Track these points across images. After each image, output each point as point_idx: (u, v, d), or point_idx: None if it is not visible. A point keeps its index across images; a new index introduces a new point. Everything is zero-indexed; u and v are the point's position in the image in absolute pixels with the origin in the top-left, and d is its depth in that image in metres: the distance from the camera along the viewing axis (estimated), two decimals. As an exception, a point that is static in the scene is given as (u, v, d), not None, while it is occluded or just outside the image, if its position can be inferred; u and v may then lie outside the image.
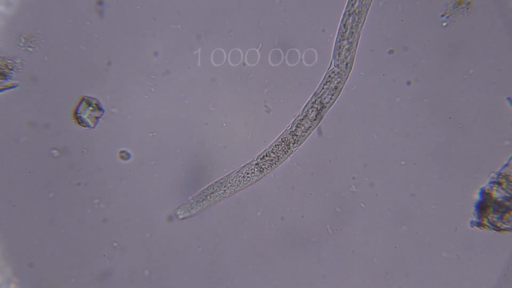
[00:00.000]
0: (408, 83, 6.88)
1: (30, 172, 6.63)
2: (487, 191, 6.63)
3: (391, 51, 6.86)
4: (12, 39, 6.52)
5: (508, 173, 6.65)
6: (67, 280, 6.72)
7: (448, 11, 6.76)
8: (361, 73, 6.94)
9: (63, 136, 6.67)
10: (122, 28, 6.72)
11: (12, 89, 6.49)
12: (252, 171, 6.95)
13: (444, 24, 6.80)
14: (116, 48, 6.74)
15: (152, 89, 6.83)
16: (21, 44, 6.52)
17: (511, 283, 6.75)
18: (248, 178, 6.94)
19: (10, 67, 6.46)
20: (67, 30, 6.64)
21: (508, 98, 6.71)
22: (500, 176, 6.69)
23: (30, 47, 6.52)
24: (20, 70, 6.54)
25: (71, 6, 6.59)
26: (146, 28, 6.75)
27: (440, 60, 6.84)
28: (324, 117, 6.90)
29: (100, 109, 6.70)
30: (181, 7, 6.77)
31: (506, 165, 6.70)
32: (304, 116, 6.95)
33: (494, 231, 6.59)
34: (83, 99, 6.66)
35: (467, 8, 6.74)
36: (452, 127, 6.84)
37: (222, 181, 6.92)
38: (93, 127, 6.70)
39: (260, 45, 6.87)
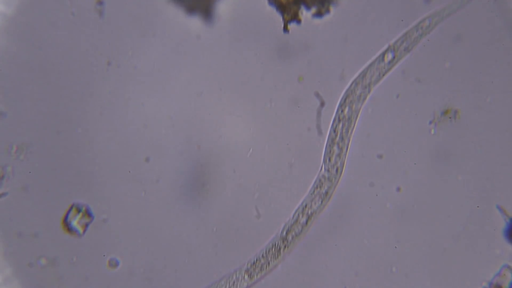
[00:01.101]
0: (398, 189, 6.91)
1: (30, 172, 6.57)
2: (479, 300, 6.59)
3: (379, 156, 6.91)
4: (3, 147, 6.54)
5: (500, 283, 6.61)
6: (67, 280, 6.61)
7: (436, 118, 6.86)
8: (352, 178, 6.97)
9: (52, 245, 6.61)
10: (113, 139, 6.76)
11: (2, 197, 6.47)
12: (242, 277, 6.88)
13: (432, 131, 6.88)
14: (106, 154, 6.76)
15: (142, 194, 6.83)
16: (13, 153, 6.54)
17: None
18: (238, 285, 6.87)
19: (0, 175, 6.46)
20: (58, 139, 6.68)
21: (498, 206, 6.73)
22: (491, 286, 6.65)
23: (21, 155, 6.54)
24: (11, 179, 6.53)
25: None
26: (137, 135, 6.79)
27: (429, 166, 6.89)
28: (314, 221, 6.89)
29: (89, 215, 6.68)
30: (172, 112, 6.84)
31: (498, 274, 6.67)
32: (294, 221, 6.94)
33: None
34: (72, 206, 6.63)
35: (455, 117, 6.84)
36: (442, 236, 6.84)
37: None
38: (82, 234, 6.66)
39: (251, 150, 6.91)
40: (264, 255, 6.90)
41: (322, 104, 6.52)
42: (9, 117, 6.62)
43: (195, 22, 6.74)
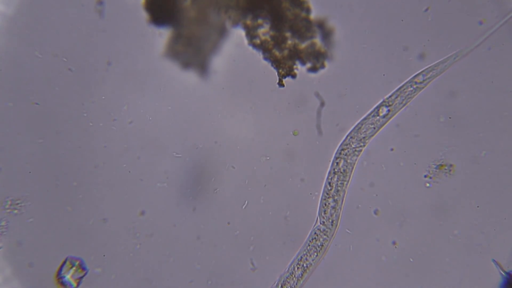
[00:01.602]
0: (394, 243, 6.89)
1: (30, 172, 6.55)
2: None
3: (376, 211, 6.91)
4: (-2, 201, 6.56)
5: None
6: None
7: (431, 172, 6.87)
8: (347, 230, 6.96)
9: (45, 299, 6.59)
10: (108, 192, 6.77)
11: (-4, 251, 6.46)
12: (237, 331, 6.84)
13: (428, 185, 6.89)
14: (101, 207, 6.76)
15: (138, 247, 6.80)
16: (7, 207, 6.53)
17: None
18: None
19: (-6, 229, 6.46)
20: (53, 193, 6.68)
21: (494, 260, 6.71)
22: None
23: (15, 209, 6.53)
24: (5, 233, 6.51)
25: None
26: (134, 188, 6.80)
27: (425, 219, 6.89)
28: (311, 274, 6.87)
29: (83, 269, 6.64)
30: (168, 167, 6.85)
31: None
32: (290, 274, 6.91)
33: None
34: (66, 260, 6.60)
35: (450, 171, 6.86)
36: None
37: None
38: (75, 288, 6.63)
39: (246, 202, 6.92)
40: (259, 309, 6.87)
41: (322, 104, 6.53)
42: (3, 171, 6.63)
43: (190, 77, 6.79)
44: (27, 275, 6.64)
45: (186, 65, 6.80)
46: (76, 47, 6.67)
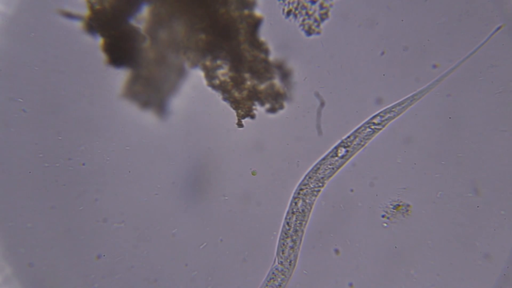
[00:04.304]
0: (351, 284, 6.93)
1: (30, 172, 6.52)
2: None
3: (336, 251, 6.94)
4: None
5: None
6: (67, 280, 6.52)
7: (388, 212, 6.93)
8: (304, 271, 6.98)
9: None
10: (66, 230, 6.72)
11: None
12: None
13: (385, 225, 6.94)
14: (55, 249, 6.71)
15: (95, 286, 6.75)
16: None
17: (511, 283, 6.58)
18: None
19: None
20: None
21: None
22: None
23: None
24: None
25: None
26: (90, 230, 6.76)
27: (382, 259, 6.93)
28: (268, 315, 6.87)
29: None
30: (126, 208, 6.83)
31: None
32: (247, 315, 6.91)
33: None
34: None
35: (407, 211, 6.92)
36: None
37: None
38: None
39: (204, 243, 6.91)
40: None
41: (322, 104, 6.52)
42: None
43: (149, 117, 6.79)
44: (27, 275, 6.59)
45: (144, 105, 6.79)
46: (32, 87, 6.63)
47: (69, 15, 6.63)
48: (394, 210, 6.93)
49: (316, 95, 6.72)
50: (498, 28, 6.66)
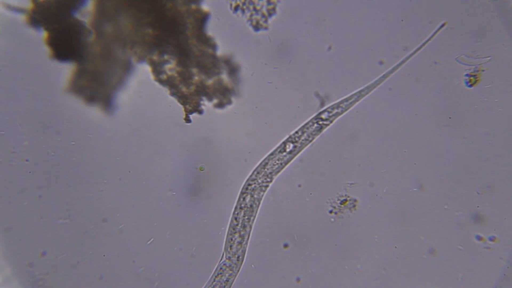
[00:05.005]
0: (298, 279, 6.98)
1: (30, 172, 6.45)
2: None
3: (285, 245, 6.98)
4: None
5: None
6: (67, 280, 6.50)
7: (336, 207, 6.99)
8: (252, 266, 7.01)
9: None
10: (5, 230, 6.62)
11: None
12: None
13: (332, 220, 7.00)
14: None
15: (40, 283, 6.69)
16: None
17: (511, 283, 6.66)
18: None
19: None
20: None
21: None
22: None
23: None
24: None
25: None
26: (32, 227, 6.67)
27: (328, 255, 7.00)
28: (216, 310, 6.89)
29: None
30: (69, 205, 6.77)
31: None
32: (195, 311, 6.92)
33: None
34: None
35: (353, 206, 6.99)
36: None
37: None
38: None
39: (152, 239, 6.89)
40: None
41: (322, 104, 6.53)
42: None
43: (95, 112, 6.72)
44: (27, 275, 6.53)
45: (90, 100, 6.72)
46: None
47: (12, 8, 6.51)
48: (341, 205, 6.99)
49: (316, 95, 6.74)
50: (442, 25, 6.74)
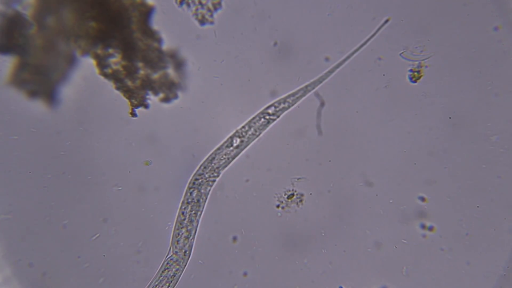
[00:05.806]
0: (245, 273, 7.00)
1: (30, 172, 6.39)
2: None
3: (234, 238, 6.99)
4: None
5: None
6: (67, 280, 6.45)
7: (282, 202, 7.02)
8: (199, 261, 7.00)
9: None
10: None
11: None
12: None
13: (279, 214, 7.03)
14: None
15: (-20, 281, 6.58)
16: None
17: (511, 283, 6.72)
18: None
19: None
20: None
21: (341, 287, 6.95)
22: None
23: None
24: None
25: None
26: None
27: (276, 250, 7.03)
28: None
29: None
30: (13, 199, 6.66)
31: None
32: (141, 306, 6.88)
33: None
34: None
35: (300, 200, 7.03)
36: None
37: None
38: None
39: (98, 234, 6.83)
40: None
41: (322, 103, 6.50)
42: None
43: (37, 106, 6.62)
44: (27, 275, 6.44)
45: (33, 94, 6.62)
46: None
47: (-49, -1, 6.37)
48: (288, 200, 7.02)
49: (316, 95, 6.72)
50: (386, 21, 6.81)
